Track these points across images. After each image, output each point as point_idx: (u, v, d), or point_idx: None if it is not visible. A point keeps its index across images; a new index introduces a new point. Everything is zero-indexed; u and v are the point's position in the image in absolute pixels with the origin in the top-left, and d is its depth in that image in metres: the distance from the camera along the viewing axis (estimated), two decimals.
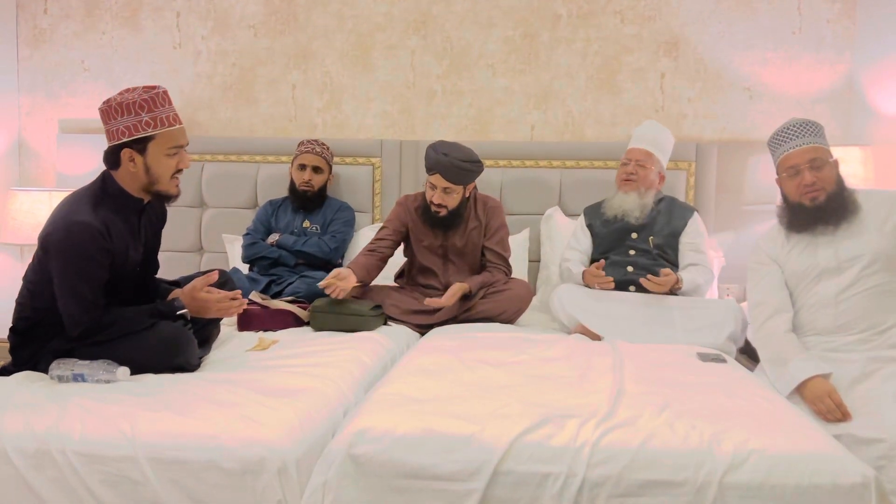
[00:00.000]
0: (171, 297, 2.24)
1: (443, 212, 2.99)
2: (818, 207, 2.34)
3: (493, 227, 3.10)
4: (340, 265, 3.42)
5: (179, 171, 2.15)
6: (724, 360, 2.35)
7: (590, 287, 2.88)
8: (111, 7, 3.89)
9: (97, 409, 1.74)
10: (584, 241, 3.11)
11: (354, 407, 1.96)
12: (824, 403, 2.05)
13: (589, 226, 3.13)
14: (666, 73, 3.64)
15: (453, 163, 2.88)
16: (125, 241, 2.14)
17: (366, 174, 3.70)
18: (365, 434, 1.64)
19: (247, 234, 3.38)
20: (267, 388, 1.92)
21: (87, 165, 3.81)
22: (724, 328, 2.63)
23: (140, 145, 2.06)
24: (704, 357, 2.37)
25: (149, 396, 1.84)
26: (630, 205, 2.99)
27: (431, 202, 2.99)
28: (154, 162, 2.08)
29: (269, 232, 3.40)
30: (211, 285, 2.23)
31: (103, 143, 3.93)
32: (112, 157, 2.10)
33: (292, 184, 3.43)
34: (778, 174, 2.44)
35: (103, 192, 2.12)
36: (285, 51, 3.83)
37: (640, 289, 2.89)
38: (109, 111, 2.07)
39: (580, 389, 1.96)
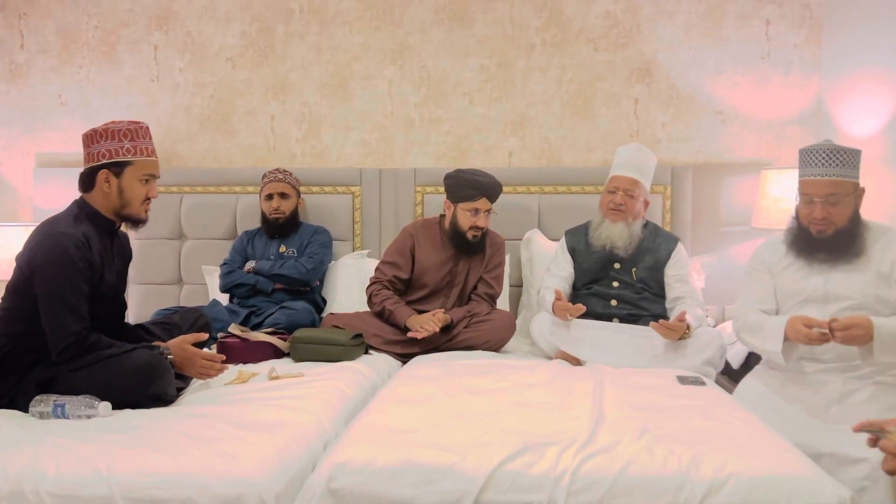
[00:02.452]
0: (157, 343, 2.27)
1: (479, 234, 3.07)
2: (823, 240, 2.28)
3: (494, 262, 3.17)
4: (319, 287, 3.42)
5: (149, 199, 2.30)
6: (703, 383, 2.36)
7: (560, 318, 2.78)
8: (88, 41, 3.90)
9: (72, 447, 1.72)
10: (566, 267, 3.03)
11: (335, 439, 1.94)
12: (799, 332, 2.10)
13: (571, 250, 3.06)
14: (639, 98, 3.70)
15: (494, 184, 3.06)
16: (102, 258, 2.23)
17: (345, 203, 3.72)
18: (344, 467, 1.63)
19: (224, 264, 3.39)
20: (245, 422, 1.90)
21: (64, 199, 3.73)
22: (703, 353, 2.64)
23: (117, 168, 2.22)
24: (684, 380, 2.38)
25: (125, 433, 1.82)
26: (618, 235, 2.91)
27: (473, 227, 3.04)
28: (127, 186, 2.24)
29: (245, 261, 3.40)
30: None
31: None
32: (88, 179, 2.25)
33: (263, 215, 3.45)
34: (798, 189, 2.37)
35: (79, 213, 2.24)
36: (263, 82, 3.85)
37: (623, 322, 2.88)
38: (94, 136, 2.23)
39: (560, 416, 1.97)
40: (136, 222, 2.31)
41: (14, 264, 2.19)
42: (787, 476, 1.56)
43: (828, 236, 2.28)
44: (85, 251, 2.14)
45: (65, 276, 2.09)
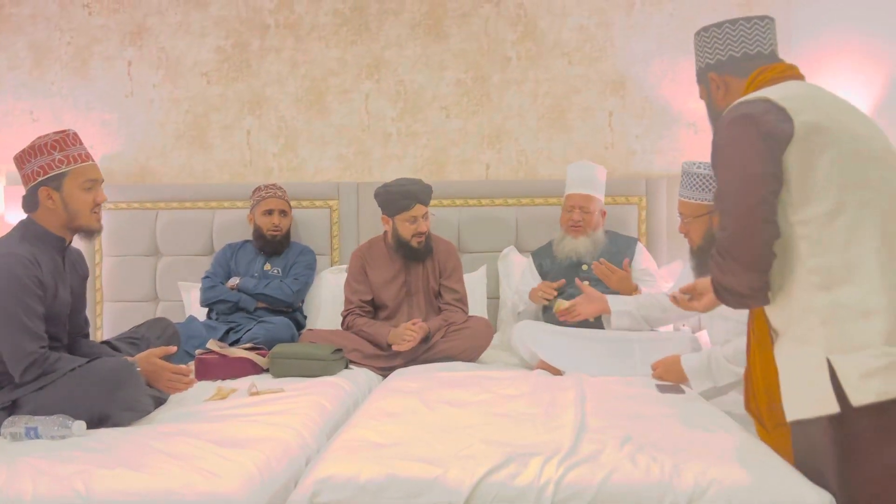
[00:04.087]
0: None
1: (423, 239, 3.10)
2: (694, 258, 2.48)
3: (449, 267, 3.19)
4: (300, 309, 3.41)
5: (98, 205, 2.23)
6: (682, 391, 2.38)
7: (535, 301, 2.98)
8: (60, 57, 3.86)
9: (49, 468, 1.68)
10: (534, 284, 3.13)
11: (317, 455, 1.93)
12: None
13: (539, 266, 3.21)
14: (614, 111, 3.75)
15: (424, 188, 3.08)
16: (53, 275, 2.18)
17: (323, 217, 3.71)
18: (327, 482, 1.62)
19: (206, 277, 3.34)
20: (225, 438, 1.88)
21: None
22: None
23: (56, 182, 2.17)
24: (663, 388, 2.40)
25: (103, 452, 1.79)
26: (582, 248, 3.07)
27: (417, 234, 3.07)
28: (70, 197, 2.19)
29: (228, 275, 3.37)
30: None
31: None
32: (30, 200, 2.20)
33: (257, 230, 3.40)
34: None
35: (25, 233, 2.19)
36: (239, 97, 3.84)
37: (598, 323, 2.93)
38: (23, 156, 2.20)
39: (543, 426, 1.97)
40: (89, 232, 2.25)
41: None
42: (768, 482, 1.58)
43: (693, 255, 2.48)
44: (33, 269, 2.08)
45: (14, 297, 2.04)
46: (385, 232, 3.24)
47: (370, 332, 3.02)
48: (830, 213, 1.52)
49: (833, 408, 1.47)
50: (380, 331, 3.00)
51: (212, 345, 2.83)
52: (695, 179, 2.42)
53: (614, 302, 2.80)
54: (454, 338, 2.97)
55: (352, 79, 3.81)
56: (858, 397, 1.45)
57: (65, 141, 2.19)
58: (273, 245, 3.38)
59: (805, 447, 1.62)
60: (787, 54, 3.62)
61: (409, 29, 3.78)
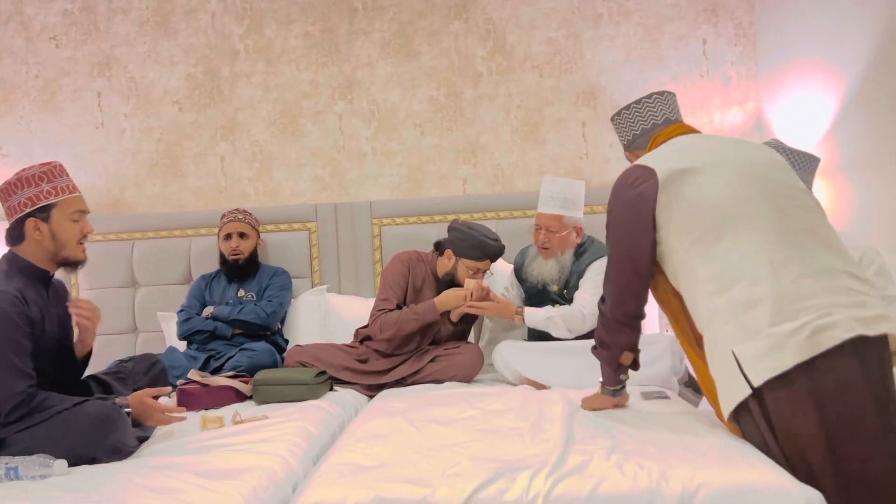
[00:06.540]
0: (117, 400, 2.19)
1: None
2: None
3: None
4: (279, 331, 3.38)
5: (84, 237, 2.23)
6: (667, 397, 2.39)
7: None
8: (28, 91, 3.83)
9: None
10: (514, 300, 3.14)
11: (304, 481, 1.91)
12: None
13: (517, 270, 3.18)
14: (586, 121, 3.78)
15: (500, 248, 3.05)
16: (40, 310, 2.15)
17: (302, 240, 3.69)
18: None
19: (181, 310, 3.32)
20: (210, 470, 1.85)
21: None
22: (661, 362, 2.68)
23: (44, 213, 2.15)
24: (647, 395, 2.41)
25: (85, 492, 1.75)
26: (549, 273, 3.00)
27: (468, 280, 3.01)
28: (59, 228, 2.17)
29: (203, 307, 3.34)
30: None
31: None
32: (16, 232, 2.17)
33: (222, 256, 3.39)
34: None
35: (10, 268, 2.17)
36: (211, 123, 3.83)
37: (580, 336, 2.92)
38: (9, 188, 2.17)
39: (530, 440, 1.96)
40: (75, 264, 2.23)
41: None
42: (756, 483, 1.58)
43: None
44: (21, 307, 2.05)
45: (3, 336, 2.01)
46: (436, 257, 3.15)
47: (414, 312, 2.95)
48: (713, 230, 1.77)
49: (745, 391, 1.67)
50: (424, 305, 2.95)
51: (193, 374, 2.80)
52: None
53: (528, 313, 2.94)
54: (444, 363, 2.95)
55: (324, 100, 3.82)
56: (757, 378, 1.65)
57: (52, 172, 2.17)
58: (237, 269, 3.35)
59: (752, 440, 1.75)
60: (753, 64, 3.69)
61: (379, 48, 3.80)
